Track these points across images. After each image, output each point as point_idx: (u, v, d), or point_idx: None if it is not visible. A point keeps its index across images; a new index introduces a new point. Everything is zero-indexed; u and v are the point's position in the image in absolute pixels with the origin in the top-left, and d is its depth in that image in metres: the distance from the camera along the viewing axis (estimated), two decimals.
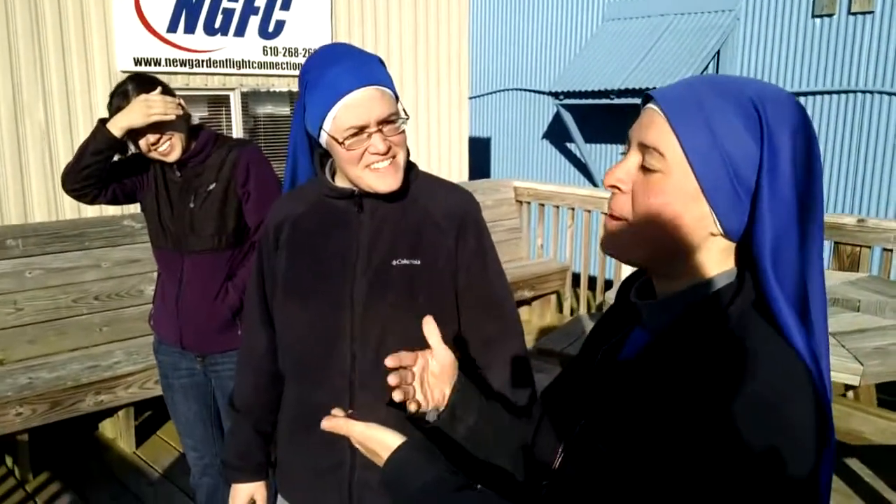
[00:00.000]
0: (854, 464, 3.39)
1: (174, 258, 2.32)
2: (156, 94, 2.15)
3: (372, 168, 1.33)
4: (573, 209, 5.84)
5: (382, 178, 1.34)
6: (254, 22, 4.91)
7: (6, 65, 3.96)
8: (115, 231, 3.91)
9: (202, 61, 4.70)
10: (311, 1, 5.19)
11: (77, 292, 3.76)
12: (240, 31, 4.85)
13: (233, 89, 4.94)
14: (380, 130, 1.31)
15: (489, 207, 5.63)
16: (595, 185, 8.31)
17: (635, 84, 7.21)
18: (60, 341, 3.70)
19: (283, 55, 5.09)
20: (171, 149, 2.21)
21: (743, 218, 0.79)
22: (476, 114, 9.73)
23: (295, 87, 5.23)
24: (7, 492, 3.32)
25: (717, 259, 0.83)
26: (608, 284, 5.66)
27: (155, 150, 2.20)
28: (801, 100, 6.95)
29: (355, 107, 1.29)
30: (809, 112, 6.23)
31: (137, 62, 4.38)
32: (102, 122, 2.15)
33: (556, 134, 8.95)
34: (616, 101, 7.44)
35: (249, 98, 5.08)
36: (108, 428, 3.84)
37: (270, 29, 5.00)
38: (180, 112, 2.19)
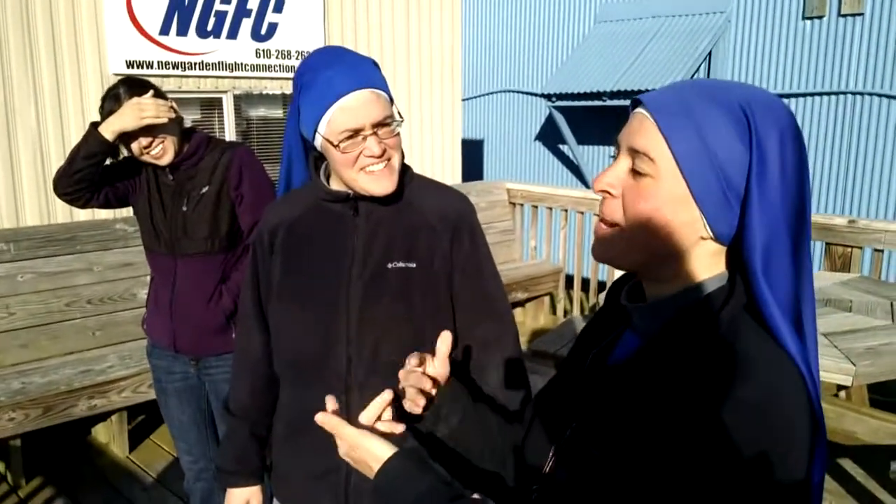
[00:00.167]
0: (846, 464, 3.41)
1: (167, 262, 2.32)
2: (148, 97, 2.15)
3: (367, 171, 1.33)
4: (566, 211, 5.86)
5: (378, 181, 1.34)
6: (246, 24, 4.90)
7: None
8: (108, 235, 3.89)
9: (194, 64, 4.69)
10: (303, 3, 5.18)
11: (70, 296, 3.75)
12: (232, 34, 4.84)
13: (225, 92, 4.93)
14: (375, 133, 1.31)
15: (482, 209, 5.63)
16: (587, 186, 8.32)
17: (627, 86, 7.23)
18: (53, 345, 3.68)
19: (276, 58, 5.09)
20: (163, 152, 2.21)
21: (733, 222, 0.80)
22: (469, 116, 9.74)
23: (288, 90, 5.22)
24: (0, 497, 3.31)
25: (707, 262, 0.83)
26: (601, 286, 5.67)
27: (147, 153, 2.20)
28: (792, 101, 6.98)
29: (350, 110, 1.29)
30: (800, 113, 6.26)
31: (129, 65, 4.37)
32: (94, 125, 2.15)
33: (549, 136, 8.96)
34: (608, 102, 7.46)
35: (242, 101, 5.07)
36: (101, 432, 3.82)
37: (263, 31, 4.99)
38: (172, 115, 2.18)
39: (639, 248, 0.83)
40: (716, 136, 0.78)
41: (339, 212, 1.41)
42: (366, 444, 0.97)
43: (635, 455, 0.76)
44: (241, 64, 4.92)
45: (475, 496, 0.90)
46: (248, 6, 4.89)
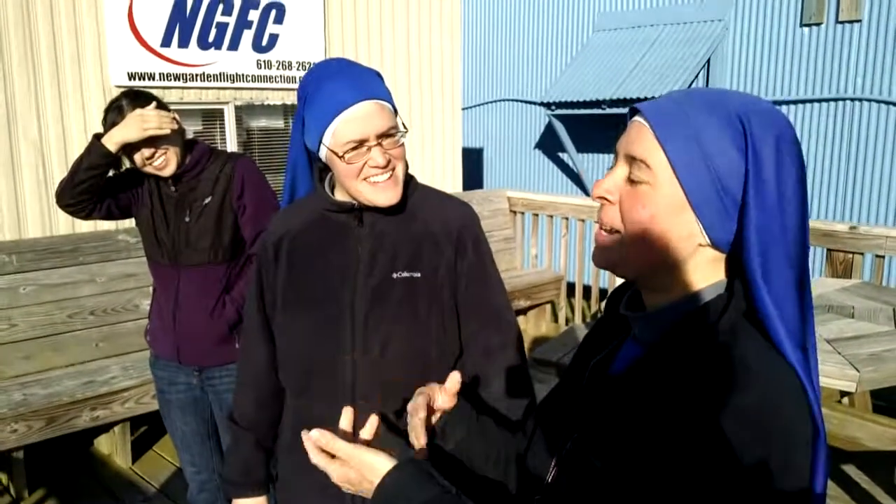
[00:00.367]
0: (851, 470, 3.40)
1: (170, 272, 2.32)
2: (151, 109, 2.16)
3: (371, 181, 1.34)
4: (567, 219, 5.86)
5: (382, 192, 1.35)
6: (247, 36, 4.92)
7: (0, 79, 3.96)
8: (110, 246, 3.90)
9: (196, 75, 4.71)
10: (304, 14, 5.21)
11: (72, 307, 3.75)
12: (233, 45, 4.86)
13: (227, 103, 4.94)
14: (379, 144, 1.32)
15: (483, 218, 5.61)
16: (587, 194, 8.33)
17: (626, 94, 7.25)
18: (56, 357, 3.68)
19: (277, 68, 5.10)
20: (166, 163, 2.22)
21: (730, 229, 0.80)
22: (469, 124, 9.76)
23: (289, 101, 5.24)
24: None
25: (705, 270, 0.84)
26: (603, 294, 5.67)
27: (150, 164, 2.20)
28: (791, 108, 7.00)
29: (355, 121, 1.30)
30: (799, 120, 6.28)
31: (131, 77, 4.38)
32: (97, 136, 2.15)
33: (549, 144, 8.98)
34: (608, 110, 7.47)
35: (244, 112, 5.08)
36: (103, 443, 3.82)
37: (264, 42, 5.01)
38: (175, 126, 2.19)
39: (637, 255, 0.83)
40: (712, 143, 0.78)
41: (344, 222, 1.42)
42: (363, 458, 0.93)
43: (636, 465, 0.76)
44: (243, 75, 4.93)
45: None
46: (249, 18, 4.91)
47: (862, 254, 4.28)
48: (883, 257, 4.24)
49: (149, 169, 2.22)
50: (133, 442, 3.75)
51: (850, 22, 6.55)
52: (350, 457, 0.94)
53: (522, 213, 6.16)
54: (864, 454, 3.45)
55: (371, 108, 1.31)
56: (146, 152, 2.18)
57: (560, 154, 8.90)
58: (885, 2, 6.35)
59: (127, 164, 2.29)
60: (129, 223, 2.51)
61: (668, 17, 7.75)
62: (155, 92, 2.34)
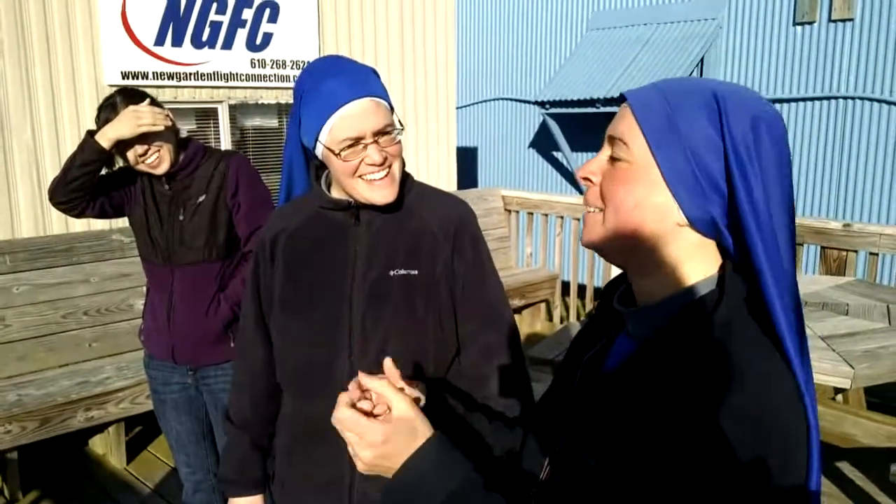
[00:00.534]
0: (845, 467, 3.41)
1: (164, 271, 2.31)
2: (145, 105, 2.15)
3: (368, 179, 1.34)
4: (562, 217, 5.87)
5: (379, 190, 1.34)
6: (241, 35, 4.91)
7: None
8: (104, 245, 3.89)
9: (190, 74, 4.69)
10: (298, 13, 5.20)
11: (66, 307, 3.73)
12: (227, 44, 4.84)
13: (221, 102, 4.93)
14: (376, 142, 1.32)
15: (478, 217, 5.63)
16: (582, 193, 8.32)
17: (620, 93, 7.26)
18: (50, 357, 3.67)
19: (271, 67, 5.09)
20: (159, 161, 2.21)
21: (707, 208, 0.80)
22: (463, 123, 9.76)
23: (283, 100, 5.23)
24: None
25: (693, 257, 0.83)
26: (597, 292, 5.67)
27: (143, 161, 2.19)
28: (784, 106, 7.02)
29: (351, 118, 1.30)
30: (792, 118, 6.29)
31: (125, 76, 4.37)
32: (90, 133, 2.14)
33: (543, 143, 8.99)
34: (602, 109, 7.48)
35: (237, 111, 5.07)
36: (98, 444, 3.81)
37: (258, 42, 5.00)
38: (169, 123, 2.19)
39: (616, 233, 0.84)
40: (685, 119, 0.80)
41: (341, 220, 1.41)
42: (408, 415, 0.86)
43: (629, 463, 0.76)
44: (237, 74, 4.92)
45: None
46: (243, 17, 4.90)
47: (856, 251, 4.30)
48: (877, 255, 4.26)
49: (142, 167, 2.21)
50: (128, 442, 3.73)
51: (843, 21, 6.57)
52: (403, 413, 0.86)
53: (517, 212, 6.16)
54: (858, 451, 3.46)
55: (368, 106, 1.31)
56: (139, 149, 2.17)
57: (554, 153, 8.91)
58: (877, 1, 6.38)
59: (120, 163, 2.28)
60: (123, 223, 2.50)
61: (661, 16, 7.77)
62: (149, 91, 2.33)
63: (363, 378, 0.91)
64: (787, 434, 0.73)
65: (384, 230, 1.41)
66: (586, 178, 0.88)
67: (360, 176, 1.33)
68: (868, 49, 6.47)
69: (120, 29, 4.34)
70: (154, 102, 2.22)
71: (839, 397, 3.90)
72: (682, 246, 0.83)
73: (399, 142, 1.37)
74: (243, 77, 4.95)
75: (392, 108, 1.38)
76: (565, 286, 5.99)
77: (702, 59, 7.37)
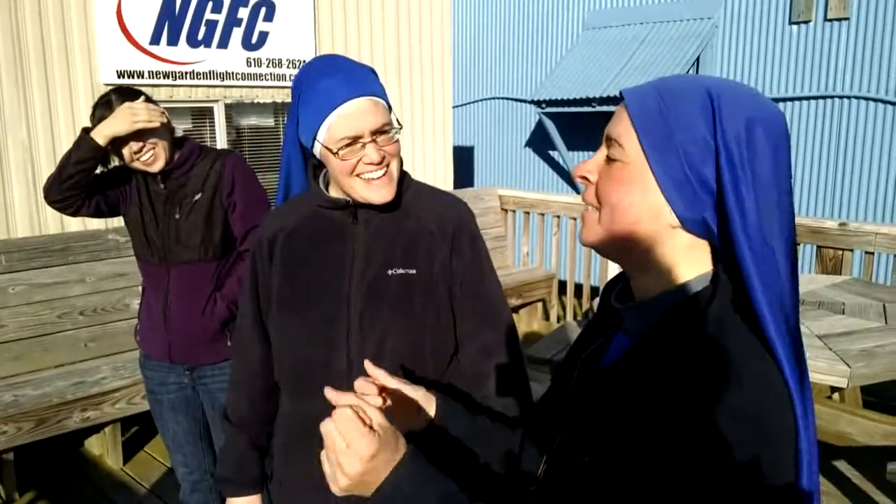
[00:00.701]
0: (841, 465, 3.42)
1: (160, 271, 2.30)
2: (140, 102, 2.14)
3: (366, 178, 1.34)
4: (558, 217, 5.87)
5: (376, 189, 1.34)
6: (237, 34, 4.89)
7: None
8: (100, 245, 3.87)
9: (185, 73, 4.68)
10: (294, 12, 5.18)
11: (62, 307, 3.72)
12: (223, 43, 4.83)
13: (216, 101, 4.92)
14: (374, 141, 1.32)
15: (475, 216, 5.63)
16: (578, 192, 8.34)
17: (616, 92, 7.26)
18: (46, 357, 3.66)
19: (267, 66, 5.08)
20: (154, 158, 2.20)
21: (698, 209, 0.80)
22: (459, 123, 9.76)
23: (279, 99, 5.22)
24: None
25: (686, 257, 0.83)
26: (594, 292, 5.68)
27: (138, 159, 2.19)
28: (780, 105, 7.03)
29: (349, 117, 1.29)
30: (788, 117, 6.29)
31: (120, 75, 4.35)
32: (86, 130, 2.14)
33: (539, 142, 8.99)
34: (598, 108, 7.49)
35: (233, 110, 5.06)
36: (94, 444, 3.80)
37: (254, 40, 4.99)
38: (164, 120, 2.18)
39: (612, 232, 0.84)
40: (678, 118, 0.79)
41: (339, 219, 1.41)
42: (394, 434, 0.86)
43: (624, 460, 0.76)
44: (232, 73, 4.91)
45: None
46: (239, 15, 4.88)
47: (851, 250, 4.31)
48: (872, 254, 4.27)
49: (137, 164, 2.20)
50: (124, 442, 3.72)
51: (839, 20, 6.59)
52: (388, 427, 0.85)
53: (513, 211, 6.16)
54: (854, 449, 3.47)
55: (365, 105, 1.31)
56: (134, 146, 2.16)
57: (551, 152, 8.91)
58: (873, 0, 6.39)
59: (116, 161, 2.27)
60: (119, 222, 2.49)
61: (657, 15, 7.78)
62: (144, 90, 2.32)
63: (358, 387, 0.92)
64: (781, 434, 0.74)
65: (382, 229, 1.40)
66: (583, 178, 0.88)
67: (358, 175, 1.33)
68: (864, 48, 6.48)
69: (115, 27, 4.33)
70: (149, 100, 2.21)
71: (835, 396, 3.91)
72: (676, 245, 0.83)
73: (397, 141, 1.37)
74: (239, 76, 4.94)
75: (390, 107, 1.38)
76: (562, 285, 5.99)
77: (697, 59, 7.38)
